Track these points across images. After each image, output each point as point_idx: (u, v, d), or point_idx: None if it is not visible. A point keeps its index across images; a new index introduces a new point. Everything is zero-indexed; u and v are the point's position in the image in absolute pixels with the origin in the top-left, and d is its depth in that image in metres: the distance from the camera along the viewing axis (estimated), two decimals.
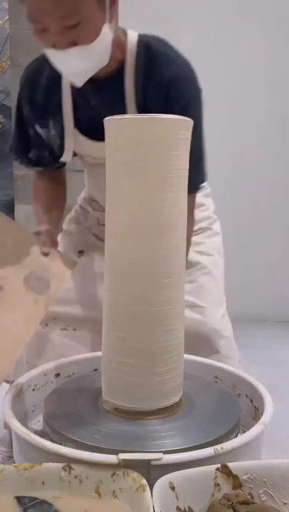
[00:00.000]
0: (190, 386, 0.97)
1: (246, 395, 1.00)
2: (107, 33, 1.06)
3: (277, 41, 3.02)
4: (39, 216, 1.29)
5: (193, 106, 1.17)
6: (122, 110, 1.17)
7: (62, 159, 1.28)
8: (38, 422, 0.98)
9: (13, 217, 3.28)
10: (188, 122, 0.86)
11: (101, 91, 1.18)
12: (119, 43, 1.15)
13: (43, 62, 1.18)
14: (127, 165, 0.84)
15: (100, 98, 1.19)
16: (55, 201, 1.35)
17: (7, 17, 3.17)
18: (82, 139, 1.25)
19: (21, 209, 3.21)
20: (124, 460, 0.72)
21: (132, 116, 0.84)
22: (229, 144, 3.06)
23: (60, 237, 1.37)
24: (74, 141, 1.26)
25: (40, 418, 0.97)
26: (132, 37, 1.18)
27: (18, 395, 0.95)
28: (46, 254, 1.10)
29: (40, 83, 1.24)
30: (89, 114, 1.22)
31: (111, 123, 0.85)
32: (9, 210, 3.59)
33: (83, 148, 1.28)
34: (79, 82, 1.13)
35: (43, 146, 1.29)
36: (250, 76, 3.06)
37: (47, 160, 1.32)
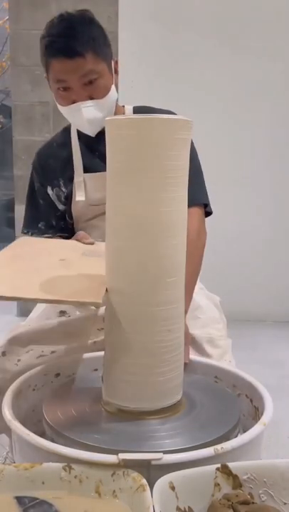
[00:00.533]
0: (190, 386, 0.97)
1: (246, 395, 1.00)
2: (114, 92, 1.37)
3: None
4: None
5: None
6: None
7: (77, 199, 1.44)
8: (39, 422, 0.98)
9: (13, 217, 3.29)
10: (187, 122, 0.86)
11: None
12: (118, 108, 1.46)
13: (51, 141, 1.54)
14: (127, 164, 0.84)
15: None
16: None
17: (7, 17, 3.17)
18: (88, 179, 1.44)
19: (21, 209, 3.20)
20: (124, 460, 0.72)
21: (131, 117, 0.84)
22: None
23: None
24: (83, 188, 1.45)
25: (40, 418, 0.97)
26: (128, 107, 1.49)
27: (18, 395, 0.95)
28: (92, 243, 1.26)
29: (51, 152, 1.51)
30: (94, 162, 1.44)
31: (111, 123, 0.85)
32: (9, 210, 3.58)
33: (88, 194, 1.44)
34: (93, 131, 1.39)
35: (51, 215, 1.50)
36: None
37: (55, 227, 1.51)
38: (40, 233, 1.53)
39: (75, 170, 1.46)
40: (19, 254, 1.12)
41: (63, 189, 1.48)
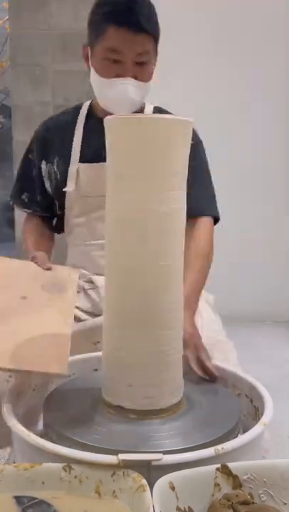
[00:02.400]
0: (190, 386, 0.97)
1: (246, 395, 1.00)
2: (151, 83, 1.33)
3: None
4: (29, 251, 1.39)
5: (200, 151, 1.43)
6: None
7: (66, 189, 1.40)
8: (38, 422, 0.98)
9: (13, 216, 3.29)
10: (188, 123, 0.85)
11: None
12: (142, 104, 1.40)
13: (59, 115, 1.50)
14: (127, 164, 0.84)
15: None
16: (43, 241, 1.46)
17: (7, 17, 3.17)
18: (84, 169, 1.40)
19: None
20: (124, 460, 0.72)
21: (131, 116, 0.83)
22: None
23: None
24: (75, 178, 1.40)
25: (40, 418, 0.97)
26: (149, 106, 1.45)
27: (18, 396, 0.95)
28: (49, 269, 1.21)
29: (57, 126, 1.47)
30: (96, 151, 1.35)
31: (111, 121, 0.85)
32: (9, 210, 3.58)
33: (81, 184, 1.40)
34: (125, 112, 1.31)
35: (36, 189, 1.47)
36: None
37: (38, 203, 1.48)
38: (22, 206, 1.51)
39: (72, 157, 1.41)
40: None
41: (55, 168, 1.44)
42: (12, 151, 3.21)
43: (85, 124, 1.43)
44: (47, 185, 1.46)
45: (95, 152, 1.37)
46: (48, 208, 1.49)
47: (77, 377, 1.07)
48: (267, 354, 2.53)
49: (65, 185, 1.41)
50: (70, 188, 1.40)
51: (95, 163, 1.38)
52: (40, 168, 1.46)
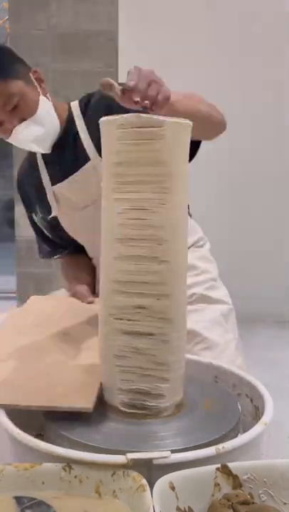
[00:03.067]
0: (190, 386, 0.96)
1: (246, 395, 1.00)
2: (44, 101, 1.31)
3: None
4: (70, 286, 1.45)
5: None
6: (84, 155, 1.36)
7: (52, 214, 1.44)
8: (32, 425, 0.96)
9: (13, 216, 3.29)
10: (187, 125, 0.85)
11: (64, 148, 1.38)
12: (61, 106, 1.39)
13: (20, 168, 1.54)
14: (124, 167, 0.83)
15: (65, 153, 1.38)
16: (81, 275, 1.48)
17: (7, 17, 3.17)
18: (60, 189, 1.42)
19: (21, 209, 3.19)
20: (132, 460, 0.72)
21: (127, 117, 0.82)
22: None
23: None
24: (55, 198, 1.43)
25: (34, 422, 0.96)
26: (74, 103, 1.41)
27: None
28: (91, 302, 1.25)
29: (22, 179, 1.53)
30: (62, 170, 1.40)
31: (106, 124, 0.84)
32: (9, 210, 3.59)
33: (64, 200, 1.43)
34: (45, 147, 1.35)
35: (48, 237, 1.53)
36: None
37: (60, 246, 1.54)
38: (49, 256, 1.57)
39: (45, 187, 1.44)
40: (24, 326, 1.18)
41: (41, 215, 1.49)
42: (12, 150, 3.21)
43: (42, 155, 1.44)
44: (47, 232, 1.52)
45: (60, 172, 1.40)
46: (72, 244, 1.52)
47: None
48: (267, 354, 2.52)
49: (56, 220, 1.45)
50: (54, 212, 1.44)
51: (65, 181, 1.40)
52: (34, 221, 1.54)
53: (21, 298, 3.07)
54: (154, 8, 3.06)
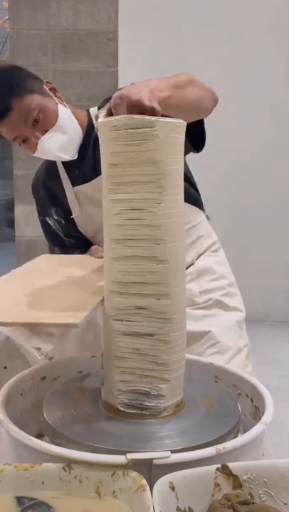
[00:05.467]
0: (190, 386, 0.96)
1: (246, 395, 1.00)
2: (63, 109, 1.34)
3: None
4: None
5: None
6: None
7: (73, 215, 1.45)
8: (26, 427, 0.96)
9: (13, 216, 3.29)
10: (180, 124, 0.85)
11: (85, 153, 1.40)
12: (80, 113, 1.42)
13: (37, 172, 1.55)
14: (119, 168, 0.83)
15: (86, 158, 1.40)
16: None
17: (7, 17, 3.17)
18: (83, 189, 1.43)
19: (21, 209, 3.21)
20: (133, 460, 0.72)
21: (121, 118, 0.82)
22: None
23: None
24: (76, 201, 1.44)
25: (30, 423, 0.96)
26: (93, 109, 1.44)
27: (8, 402, 0.93)
28: (101, 257, 1.23)
29: (39, 183, 1.53)
30: (82, 174, 1.42)
31: (102, 125, 0.84)
32: (9, 209, 3.58)
33: (84, 207, 1.44)
34: (72, 154, 1.37)
35: (61, 239, 1.54)
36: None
37: (71, 247, 1.54)
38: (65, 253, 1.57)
39: (65, 189, 1.45)
40: (32, 270, 1.23)
41: (56, 217, 1.50)
42: (12, 151, 3.21)
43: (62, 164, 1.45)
44: (61, 234, 1.53)
45: (80, 176, 1.41)
46: (83, 245, 1.52)
47: (76, 378, 1.07)
48: (267, 354, 2.52)
49: (73, 222, 1.46)
50: (75, 212, 1.44)
51: (88, 182, 1.40)
52: (49, 225, 1.54)
53: None
54: (154, 8, 3.06)
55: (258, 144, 3.14)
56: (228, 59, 3.07)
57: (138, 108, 0.83)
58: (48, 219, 1.54)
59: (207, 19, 3.06)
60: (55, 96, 1.35)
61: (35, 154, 1.35)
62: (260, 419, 0.85)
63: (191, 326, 1.26)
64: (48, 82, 1.36)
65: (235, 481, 0.73)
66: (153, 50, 3.03)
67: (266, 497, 0.73)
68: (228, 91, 3.07)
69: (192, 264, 1.43)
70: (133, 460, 0.72)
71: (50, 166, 1.49)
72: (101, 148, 0.86)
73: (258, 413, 0.95)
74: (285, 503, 0.73)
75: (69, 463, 0.74)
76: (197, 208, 1.47)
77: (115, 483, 0.72)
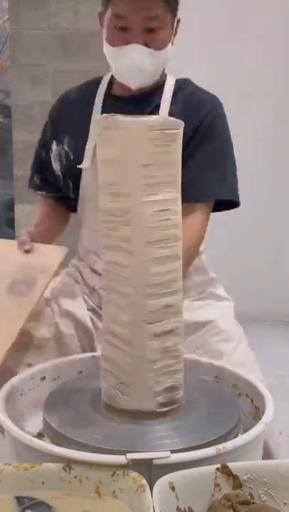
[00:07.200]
0: (190, 386, 0.96)
1: (246, 395, 1.00)
2: (169, 50, 1.24)
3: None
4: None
5: (215, 126, 1.32)
6: None
7: (81, 166, 1.30)
8: (27, 427, 0.96)
9: (13, 216, 3.29)
10: (175, 123, 0.85)
11: (136, 106, 1.27)
12: (163, 73, 1.31)
13: (75, 90, 1.40)
14: (152, 168, 0.83)
15: (132, 110, 1.23)
16: (47, 221, 1.39)
17: (7, 17, 3.17)
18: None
19: (21, 209, 3.20)
20: (133, 460, 0.72)
21: (156, 118, 0.83)
22: None
23: None
24: (91, 155, 1.29)
25: (29, 424, 0.96)
26: (171, 78, 1.34)
27: (8, 402, 0.93)
28: (27, 251, 1.15)
29: (72, 100, 1.39)
30: None
31: (136, 124, 0.83)
32: (9, 210, 3.59)
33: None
34: (135, 82, 1.24)
35: (48, 171, 1.38)
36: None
37: (51, 185, 1.39)
38: (35, 188, 1.44)
39: (89, 133, 1.31)
40: None
41: (66, 148, 1.34)
42: (12, 150, 3.20)
43: (104, 98, 1.33)
44: (56, 167, 1.36)
45: None
46: (61, 190, 1.38)
47: (76, 378, 1.07)
48: (267, 354, 2.52)
49: (79, 163, 1.31)
50: (85, 164, 1.30)
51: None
52: (50, 150, 1.37)
53: None
54: None
55: (258, 144, 3.13)
56: (228, 59, 3.07)
57: None
58: (54, 144, 1.37)
59: (207, 19, 3.05)
60: (174, 36, 1.26)
61: (111, 50, 1.22)
62: (260, 419, 0.85)
63: (194, 316, 1.27)
64: (178, 20, 1.27)
65: (235, 481, 0.73)
66: None
67: (266, 497, 0.73)
68: (228, 91, 3.07)
69: None
70: (133, 460, 0.72)
71: (88, 95, 1.35)
72: (127, 148, 0.84)
73: (258, 413, 0.95)
74: (285, 503, 0.73)
75: (69, 463, 0.74)
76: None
77: (115, 483, 0.72)
